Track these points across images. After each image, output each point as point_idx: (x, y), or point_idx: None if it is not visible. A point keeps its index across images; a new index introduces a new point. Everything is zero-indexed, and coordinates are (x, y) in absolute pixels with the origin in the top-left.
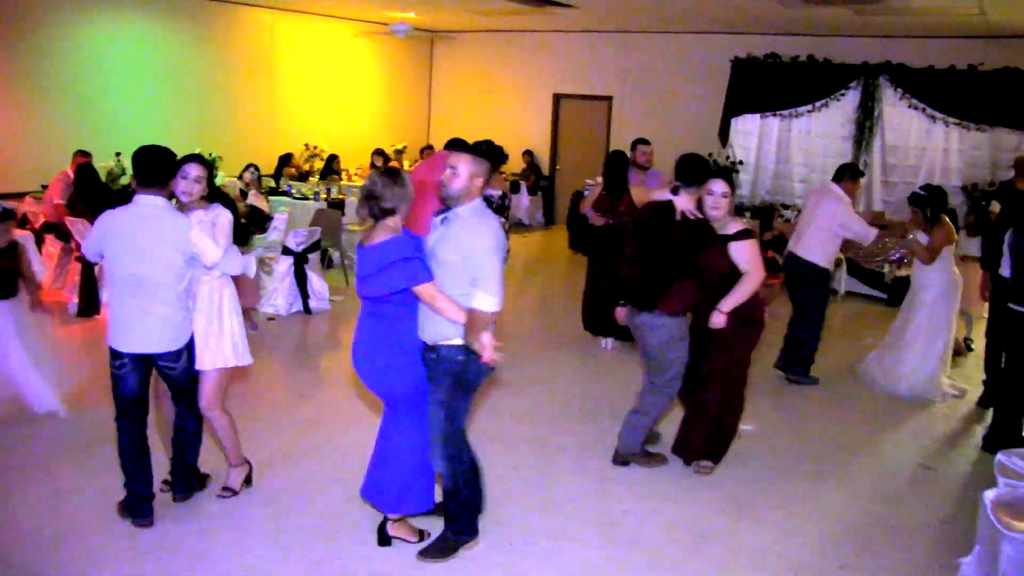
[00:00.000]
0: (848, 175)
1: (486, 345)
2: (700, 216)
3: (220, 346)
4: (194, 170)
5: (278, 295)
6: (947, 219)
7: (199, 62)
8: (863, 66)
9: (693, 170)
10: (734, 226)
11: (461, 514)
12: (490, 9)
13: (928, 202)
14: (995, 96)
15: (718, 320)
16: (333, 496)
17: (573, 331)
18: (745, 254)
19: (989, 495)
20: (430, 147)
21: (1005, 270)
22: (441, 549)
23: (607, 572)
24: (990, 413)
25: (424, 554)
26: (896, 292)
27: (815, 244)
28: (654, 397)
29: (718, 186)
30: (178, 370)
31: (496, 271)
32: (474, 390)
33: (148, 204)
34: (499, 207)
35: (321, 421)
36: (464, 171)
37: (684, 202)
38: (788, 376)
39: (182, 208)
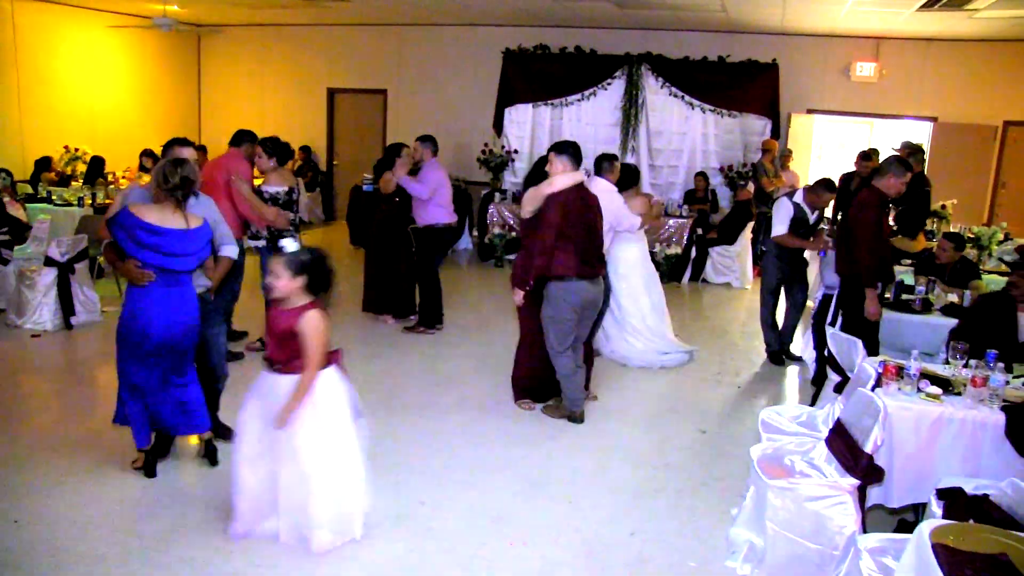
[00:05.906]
0: (606, 164)
1: None
2: None
3: None
4: None
5: (43, 310)
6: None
7: None
8: (626, 56)
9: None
10: None
11: None
12: (258, 1)
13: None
14: (742, 85)
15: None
16: (118, 519)
17: (359, 323)
18: None
19: (755, 451)
20: (202, 147)
21: None
22: None
23: (406, 564)
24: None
25: None
26: (674, 269)
27: None
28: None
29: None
30: None
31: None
32: None
33: None
34: (286, 202)
35: (100, 444)
36: None
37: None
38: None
39: None
